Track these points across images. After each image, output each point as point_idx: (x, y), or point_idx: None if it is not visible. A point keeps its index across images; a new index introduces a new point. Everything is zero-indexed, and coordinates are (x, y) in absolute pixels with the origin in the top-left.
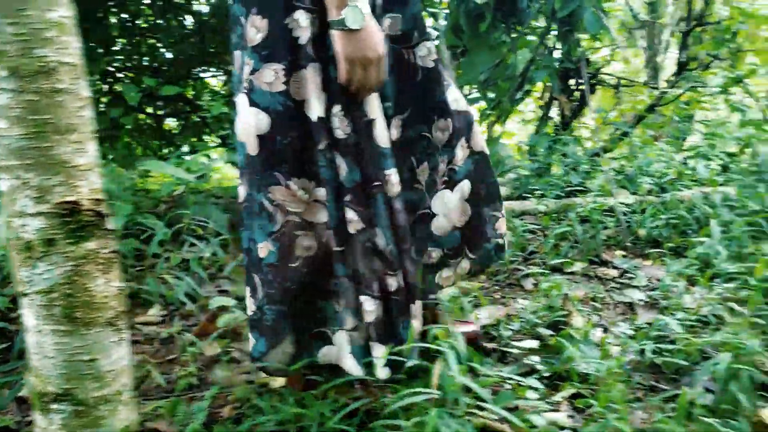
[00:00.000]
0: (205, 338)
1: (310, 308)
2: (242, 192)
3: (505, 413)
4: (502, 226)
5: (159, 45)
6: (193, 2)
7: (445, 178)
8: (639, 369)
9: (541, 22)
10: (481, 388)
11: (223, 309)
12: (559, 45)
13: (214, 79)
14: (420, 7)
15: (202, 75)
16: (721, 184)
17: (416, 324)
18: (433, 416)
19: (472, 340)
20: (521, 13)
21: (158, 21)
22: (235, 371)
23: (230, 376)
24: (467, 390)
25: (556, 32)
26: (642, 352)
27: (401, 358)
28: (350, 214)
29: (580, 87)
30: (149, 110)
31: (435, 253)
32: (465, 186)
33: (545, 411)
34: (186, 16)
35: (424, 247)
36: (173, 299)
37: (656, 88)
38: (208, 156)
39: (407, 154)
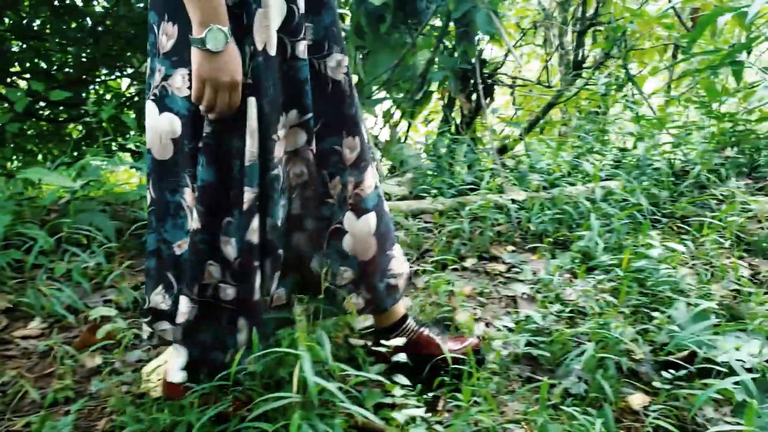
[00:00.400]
0: (85, 350)
1: None
2: (149, 197)
3: (362, 411)
4: (396, 266)
5: (55, 48)
6: (93, 3)
7: (351, 201)
8: (517, 361)
9: (440, 23)
10: (350, 387)
11: (104, 319)
12: (459, 46)
13: (124, 82)
14: (334, 18)
15: (106, 78)
16: (607, 179)
17: (241, 337)
18: (295, 418)
19: (474, 349)
20: (421, 14)
21: (59, 23)
22: (114, 382)
23: (108, 387)
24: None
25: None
26: (522, 344)
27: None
28: (194, 212)
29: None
30: (46, 115)
31: (347, 274)
32: (372, 219)
33: (412, 407)
34: (86, 19)
35: (337, 267)
36: (55, 311)
37: (549, 86)
38: (119, 160)
39: (321, 168)
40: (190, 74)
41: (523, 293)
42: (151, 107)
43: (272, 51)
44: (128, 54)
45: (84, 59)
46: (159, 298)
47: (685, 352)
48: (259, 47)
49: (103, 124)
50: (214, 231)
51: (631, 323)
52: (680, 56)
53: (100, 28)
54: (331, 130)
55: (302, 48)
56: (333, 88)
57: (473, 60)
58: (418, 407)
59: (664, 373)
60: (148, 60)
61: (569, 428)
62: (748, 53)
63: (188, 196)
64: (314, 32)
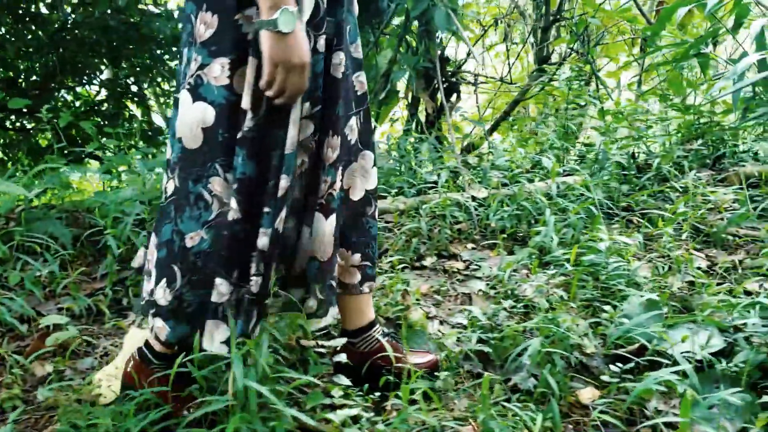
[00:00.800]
0: (36, 359)
1: None
2: (171, 186)
3: (295, 413)
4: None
5: (15, 56)
6: (57, 11)
7: (322, 201)
8: (469, 358)
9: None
10: (293, 389)
11: (56, 327)
12: (421, 45)
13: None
14: (345, 17)
15: (74, 85)
16: (568, 175)
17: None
18: (234, 420)
19: (432, 368)
20: (383, 13)
21: (21, 31)
22: (61, 390)
23: (56, 395)
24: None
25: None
26: (473, 341)
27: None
28: (233, 203)
29: (444, 86)
30: (13, 124)
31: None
32: (334, 219)
33: (356, 407)
34: (48, 26)
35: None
36: (5, 320)
37: (510, 83)
38: (76, 168)
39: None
40: (230, 63)
41: (479, 290)
42: (185, 96)
43: None
44: (95, 60)
45: (51, 66)
46: (160, 292)
47: (636, 345)
48: None
49: (72, 131)
50: (254, 222)
51: (582, 317)
52: (647, 50)
53: (64, 34)
54: (325, 125)
55: (322, 42)
56: (329, 84)
57: (434, 59)
58: (360, 407)
59: (612, 367)
60: (184, 50)
61: (513, 424)
62: (715, 45)
63: (217, 186)
64: (328, 27)
